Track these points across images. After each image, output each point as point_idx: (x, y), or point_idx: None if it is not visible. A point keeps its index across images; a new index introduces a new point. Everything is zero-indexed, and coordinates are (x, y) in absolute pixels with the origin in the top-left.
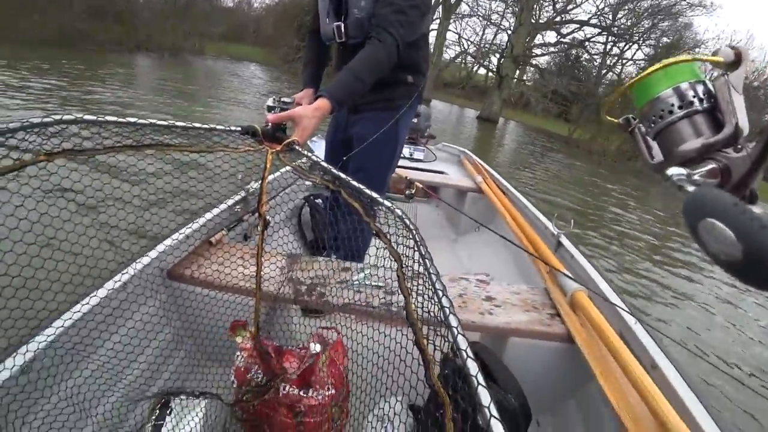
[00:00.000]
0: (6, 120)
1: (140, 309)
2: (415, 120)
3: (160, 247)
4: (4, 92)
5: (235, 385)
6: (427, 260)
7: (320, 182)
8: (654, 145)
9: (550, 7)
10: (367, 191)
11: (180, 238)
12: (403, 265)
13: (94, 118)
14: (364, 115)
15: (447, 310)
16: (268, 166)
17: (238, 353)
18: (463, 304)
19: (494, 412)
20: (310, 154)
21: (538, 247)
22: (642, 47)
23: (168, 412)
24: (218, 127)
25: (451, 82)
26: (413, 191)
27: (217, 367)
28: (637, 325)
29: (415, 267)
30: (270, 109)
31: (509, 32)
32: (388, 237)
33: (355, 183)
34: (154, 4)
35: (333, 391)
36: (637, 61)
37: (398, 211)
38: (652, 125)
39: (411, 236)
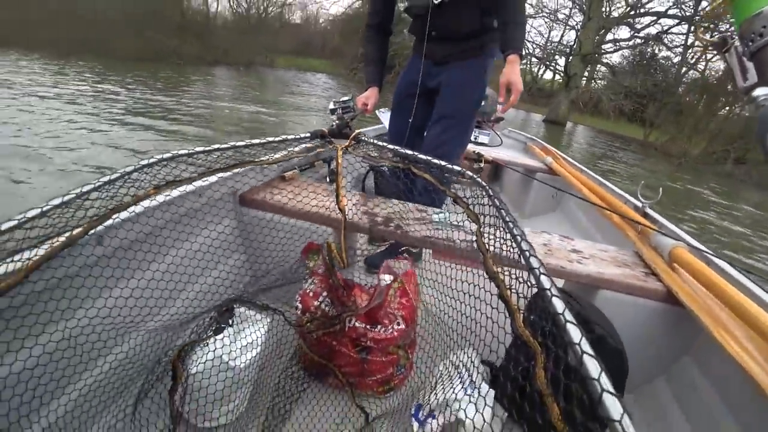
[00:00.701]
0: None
1: (208, 226)
2: (483, 103)
3: (230, 172)
4: (115, 100)
5: (299, 310)
6: (503, 210)
7: (390, 164)
8: (750, 66)
9: (623, 1)
10: (437, 161)
11: (251, 167)
12: (481, 224)
13: (187, 151)
14: (454, 64)
15: (527, 253)
16: (339, 161)
17: (308, 278)
18: (549, 252)
19: (587, 348)
20: (377, 142)
21: (625, 213)
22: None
23: (231, 318)
24: (290, 137)
25: None
26: (482, 165)
27: (285, 291)
28: (747, 280)
29: (492, 224)
30: (332, 111)
31: (577, 29)
32: (465, 200)
33: (423, 156)
34: (230, 23)
35: (402, 326)
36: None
37: (469, 173)
38: (750, 43)
39: (485, 193)
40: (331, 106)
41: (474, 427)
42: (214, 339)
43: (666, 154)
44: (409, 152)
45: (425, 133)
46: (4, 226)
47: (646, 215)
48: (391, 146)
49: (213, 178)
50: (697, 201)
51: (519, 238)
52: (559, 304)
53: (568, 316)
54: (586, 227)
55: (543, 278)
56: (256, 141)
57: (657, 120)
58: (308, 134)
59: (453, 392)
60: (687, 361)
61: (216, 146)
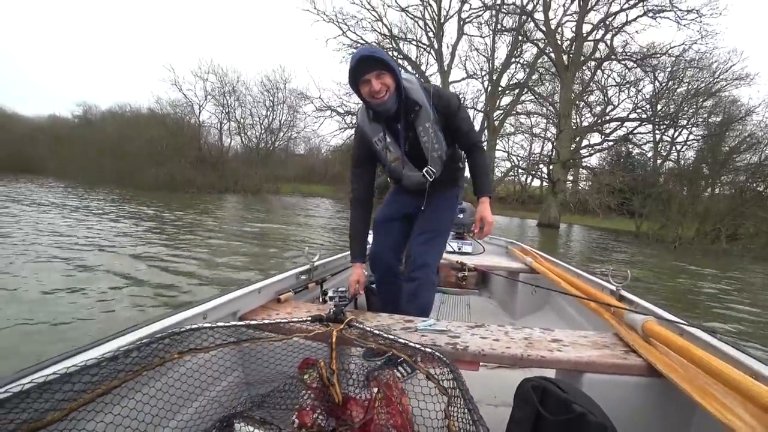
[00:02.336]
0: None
1: (212, 345)
2: (461, 216)
3: (234, 294)
4: (137, 222)
5: (296, 425)
6: (465, 393)
7: (377, 348)
8: None
9: (589, 113)
10: (414, 345)
11: (251, 291)
12: (450, 396)
13: (210, 325)
14: (437, 195)
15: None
16: (334, 341)
17: (304, 392)
18: (530, 345)
19: None
20: (366, 328)
21: (599, 299)
22: (693, 130)
23: None
24: (294, 319)
25: (506, 197)
26: (465, 273)
27: (281, 408)
28: (720, 343)
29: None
30: (331, 298)
31: (553, 141)
32: (437, 378)
33: (402, 340)
34: (241, 155)
35: None
36: (690, 144)
37: (438, 354)
38: None
39: (451, 372)
40: (330, 294)
41: None
42: None
43: (660, 241)
44: (391, 337)
45: (411, 243)
46: (54, 373)
47: (621, 297)
48: (377, 332)
49: (220, 300)
50: (696, 280)
51: (477, 422)
52: None
53: None
54: (571, 317)
55: None
56: (267, 321)
57: (644, 210)
58: (309, 317)
59: None
60: (680, 429)
61: (233, 323)
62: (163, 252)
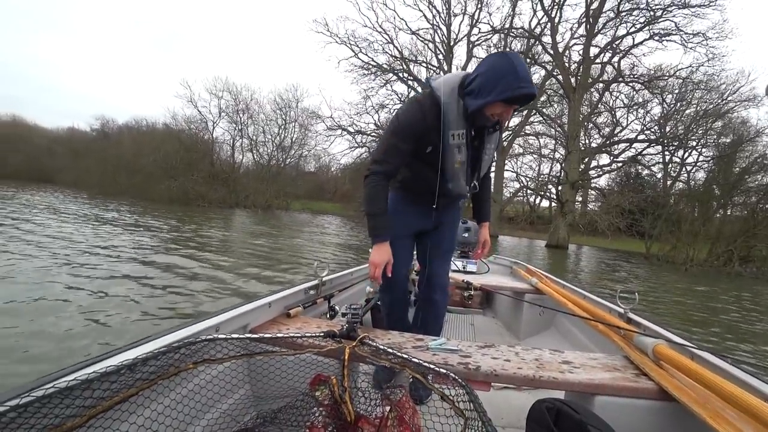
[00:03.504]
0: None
1: (225, 356)
2: (465, 235)
3: (245, 308)
4: (156, 234)
5: None
6: (482, 414)
7: (390, 365)
8: None
9: (598, 134)
10: (427, 364)
11: (261, 305)
12: (467, 418)
13: (225, 337)
14: (447, 212)
15: None
16: (347, 358)
17: (315, 409)
18: (540, 366)
19: None
20: (379, 346)
21: (608, 321)
22: (703, 151)
23: None
24: (308, 334)
25: (515, 217)
26: (471, 293)
27: (293, 425)
28: (732, 366)
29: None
30: (344, 314)
31: (561, 162)
32: (452, 398)
33: (416, 359)
34: (252, 171)
35: None
36: (701, 165)
37: (453, 375)
38: None
39: (466, 393)
40: (343, 310)
41: None
42: None
43: (671, 263)
44: (405, 356)
45: (431, 264)
46: (75, 380)
47: (629, 320)
48: (390, 350)
49: (232, 314)
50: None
51: None
52: None
53: None
54: (578, 339)
55: None
56: (281, 335)
57: (654, 232)
58: (322, 333)
59: None
60: None
61: (247, 335)
62: (178, 263)
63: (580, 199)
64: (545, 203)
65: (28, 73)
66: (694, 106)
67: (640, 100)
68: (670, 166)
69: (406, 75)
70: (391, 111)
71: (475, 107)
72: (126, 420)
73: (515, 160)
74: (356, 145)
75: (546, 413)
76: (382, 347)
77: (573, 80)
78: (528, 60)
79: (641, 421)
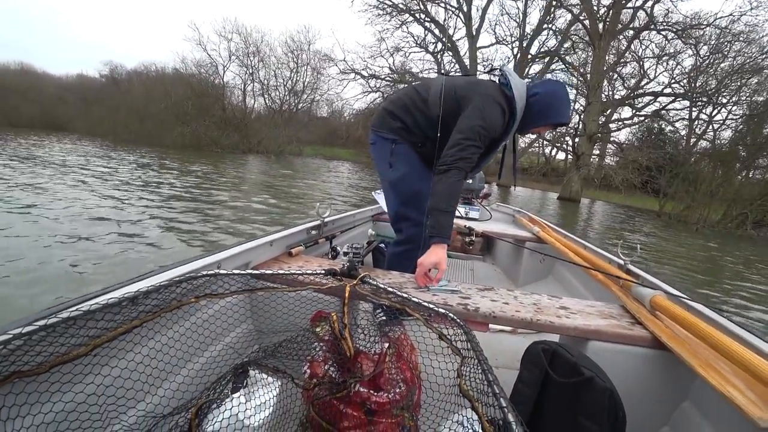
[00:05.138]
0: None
1: (227, 291)
2: (470, 181)
3: (246, 246)
4: (173, 181)
5: (307, 375)
6: (479, 354)
7: (390, 304)
8: None
9: (622, 86)
10: (427, 304)
11: (263, 243)
12: (463, 357)
13: (226, 272)
14: None
15: (498, 395)
16: (347, 296)
17: (316, 344)
18: (539, 310)
19: None
20: (379, 284)
21: (608, 270)
22: (733, 108)
23: (245, 380)
24: (308, 272)
25: (529, 168)
26: (473, 238)
27: (293, 358)
28: (726, 320)
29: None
30: (345, 253)
31: (580, 113)
32: (449, 338)
33: (415, 299)
34: (264, 117)
35: (403, 387)
36: (729, 125)
37: (452, 315)
38: None
39: (464, 333)
40: (345, 249)
41: None
42: (231, 398)
43: (683, 222)
44: (404, 295)
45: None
46: (77, 310)
47: (628, 271)
48: (390, 289)
49: (233, 251)
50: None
51: (493, 383)
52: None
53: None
54: (576, 288)
55: (509, 415)
56: (282, 271)
57: (670, 190)
58: (323, 270)
59: None
60: (686, 406)
61: (248, 271)
62: (191, 207)
63: (598, 152)
64: (561, 155)
65: (32, 18)
66: (731, 59)
67: (672, 50)
68: (696, 123)
69: (422, 16)
70: (407, 54)
71: (534, 126)
72: (131, 350)
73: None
74: (370, 89)
75: (542, 354)
76: (382, 286)
77: (600, 26)
78: (554, 2)
79: (633, 367)
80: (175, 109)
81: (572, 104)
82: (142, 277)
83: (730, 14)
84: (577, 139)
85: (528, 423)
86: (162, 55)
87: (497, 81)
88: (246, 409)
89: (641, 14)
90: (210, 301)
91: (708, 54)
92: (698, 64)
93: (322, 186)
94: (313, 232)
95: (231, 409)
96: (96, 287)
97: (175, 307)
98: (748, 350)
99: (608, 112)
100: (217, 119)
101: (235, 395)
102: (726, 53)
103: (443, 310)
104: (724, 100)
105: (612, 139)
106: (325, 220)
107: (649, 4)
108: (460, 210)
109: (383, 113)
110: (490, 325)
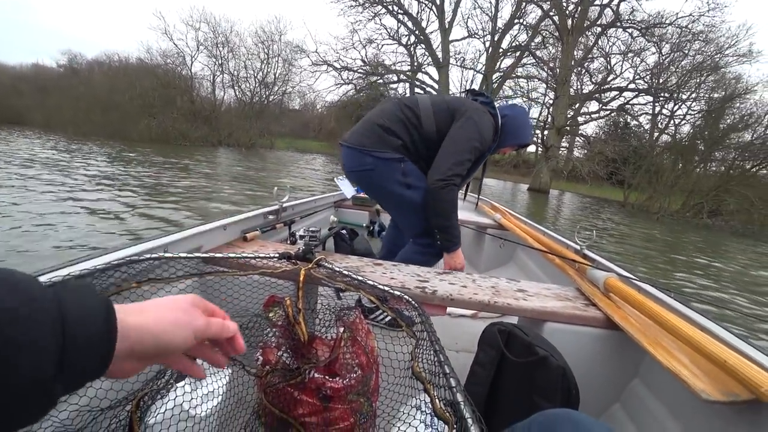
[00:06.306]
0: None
1: (172, 276)
2: None
3: (197, 229)
4: (128, 172)
5: (260, 362)
6: (433, 336)
7: (345, 288)
8: None
9: (590, 81)
10: (382, 287)
11: (215, 227)
12: (418, 339)
13: (171, 255)
14: None
15: (449, 375)
16: (302, 279)
17: (269, 330)
18: (496, 293)
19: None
20: (335, 268)
21: (564, 255)
22: (692, 105)
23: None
24: (261, 255)
25: (500, 161)
26: None
27: (246, 344)
28: (674, 301)
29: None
30: (301, 237)
31: (548, 106)
32: (403, 322)
33: (371, 281)
34: (234, 109)
35: (359, 372)
36: (688, 120)
37: (407, 297)
38: None
39: (419, 315)
40: (301, 232)
41: None
42: (174, 387)
43: (646, 211)
44: (360, 278)
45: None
46: None
47: (585, 256)
48: (346, 272)
49: (182, 234)
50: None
51: (443, 363)
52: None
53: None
54: (535, 272)
55: (458, 395)
56: (233, 255)
57: (633, 181)
58: (277, 254)
59: (415, 430)
60: (636, 383)
61: (196, 254)
62: (150, 201)
63: (566, 145)
64: (531, 148)
65: None
66: (691, 57)
67: (637, 47)
68: (658, 117)
69: (395, 8)
70: (380, 47)
71: (503, 146)
72: None
73: (504, 102)
74: (342, 81)
75: (498, 335)
76: (338, 269)
77: (569, 22)
78: None
79: (586, 346)
80: (140, 100)
81: (543, 98)
82: (74, 262)
83: (690, 14)
84: (546, 132)
85: (484, 404)
86: (125, 44)
87: (477, 101)
88: (192, 398)
89: (608, 12)
90: (154, 287)
91: (670, 52)
92: (661, 61)
93: (301, 181)
94: (271, 217)
95: (175, 399)
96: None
97: (114, 293)
98: (693, 328)
99: (576, 105)
100: (185, 111)
101: (179, 384)
102: (686, 52)
103: (399, 292)
104: (684, 97)
105: (580, 132)
106: (284, 205)
107: (616, 1)
108: None
109: (378, 131)
110: (450, 310)
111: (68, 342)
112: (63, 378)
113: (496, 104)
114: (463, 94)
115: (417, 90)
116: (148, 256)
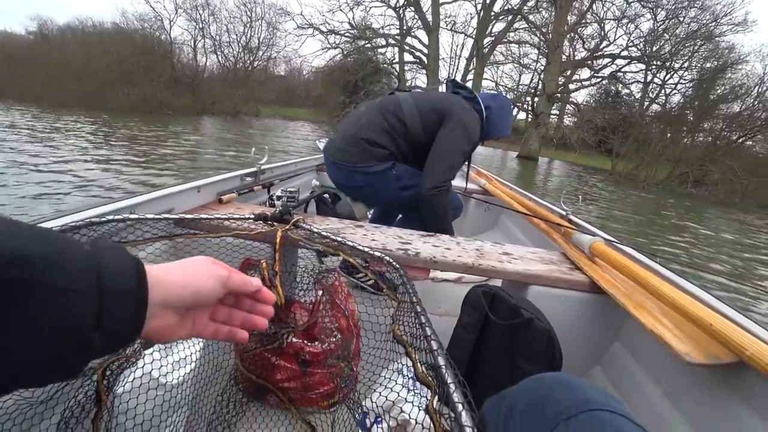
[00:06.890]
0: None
1: (144, 245)
2: None
3: (168, 190)
4: (113, 145)
5: None
6: (414, 297)
7: (324, 249)
8: None
9: (583, 47)
10: (362, 248)
11: (188, 189)
12: (399, 301)
13: (137, 216)
14: None
15: (430, 337)
16: (278, 241)
17: None
18: (481, 255)
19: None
20: (313, 228)
21: (550, 219)
22: (684, 74)
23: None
24: (236, 216)
25: None
26: None
27: None
28: (658, 266)
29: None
30: (278, 197)
31: (539, 72)
32: (385, 284)
33: (351, 242)
34: (217, 76)
35: (339, 336)
36: (680, 90)
37: (387, 258)
38: None
39: (401, 276)
40: (278, 193)
41: (417, 423)
42: (143, 354)
43: (633, 180)
44: (339, 239)
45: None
46: None
47: (570, 221)
48: (324, 233)
49: (151, 195)
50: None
51: (424, 325)
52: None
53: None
54: (519, 237)
55: (439, 358)
56: (205, 216)
57: (622, 150)
58: (252, 215)
59: (397, 395)
60: (617, 346)
61: (164, 216)
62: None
63: (557, 113)
64: (522, 115)
65: None
66: (686, 25)
67: (632, 13)
68: (650, 86)
69: None
70: (368, 9)
71: (486, 138)
72: None
73: (495, 67)
74: (329, 46)
75: (482, 297)
76: (316, 230)
77: None
78: None
79: (570, 310)
80: (117, 67)
81: (534, 64)
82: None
83: None
84: (536, 99)
85: (467, 367)
86: (98, 8)
87: (460, 95)
88: (161, 366)
89: None
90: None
91: (665, 19)
92: (655, 28)
93: (287, 148)
94: (249, 179)
95: (143, 367)
96: None
97: None
98: (678, 291)
99: (568, 72)
100: (166, 78)
101: (147, 352)
102: (681, 19)
103: (380, 254)
104: (677, 65)
105: (570, 99)
106: (263, 167)
107: None
108: None
109: (363, 145)
110: (434, 274)
111: (105, 293)
112: (101, 330)
113: (478, 93)
114: (443, 87)
115: (405, 55)
116: (111, 217)
